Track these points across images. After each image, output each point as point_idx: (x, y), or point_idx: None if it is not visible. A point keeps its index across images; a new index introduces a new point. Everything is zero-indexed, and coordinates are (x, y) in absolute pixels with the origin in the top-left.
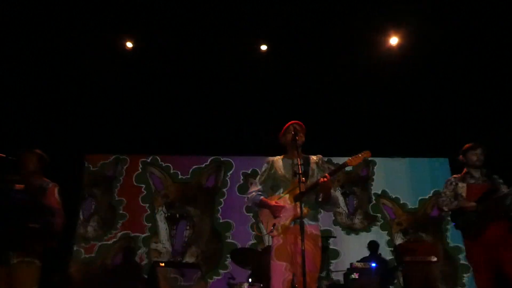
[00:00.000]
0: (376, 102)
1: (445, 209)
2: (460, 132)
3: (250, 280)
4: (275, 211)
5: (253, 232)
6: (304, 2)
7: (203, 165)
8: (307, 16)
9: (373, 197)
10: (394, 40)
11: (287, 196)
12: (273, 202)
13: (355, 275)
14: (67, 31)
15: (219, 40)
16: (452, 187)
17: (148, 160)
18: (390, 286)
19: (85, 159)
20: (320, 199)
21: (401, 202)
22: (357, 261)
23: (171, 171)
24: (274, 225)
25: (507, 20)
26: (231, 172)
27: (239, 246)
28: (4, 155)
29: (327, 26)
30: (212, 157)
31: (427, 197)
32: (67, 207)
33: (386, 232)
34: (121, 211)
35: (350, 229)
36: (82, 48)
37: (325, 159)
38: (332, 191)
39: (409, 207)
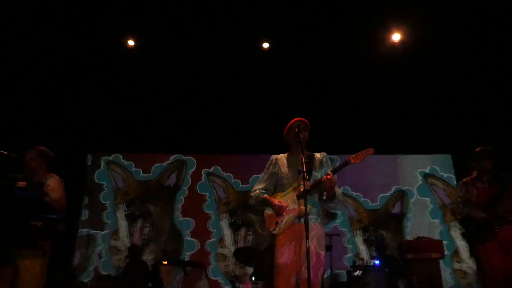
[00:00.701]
0: (378, 99)
1: (459, 216)
2: (463, 128)
3: (253, 278)
4: (279, 210)
5: (214, 230)
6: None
7: (165, 163)
8: (308, 13)
9: None
10: (396, 37)
11: (291, 193)
12: (276, 201)
13: (358, 273)
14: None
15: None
16: (463, 192)
17: (110, 158)
18: (397, 282)
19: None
20: (324, 197)
21: (362, 199)
22: (361, 259)
23: (133, 169)
24: (276, 223)
25: (510, 18)
26: (192, 170)
27: (198, 244)
28: (6, 153)
29: (330, 22)
30: (174, 155)
31: (388, 194)
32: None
33: (346, 229)
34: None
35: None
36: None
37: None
38: (336, 188)
39: (370, 204)
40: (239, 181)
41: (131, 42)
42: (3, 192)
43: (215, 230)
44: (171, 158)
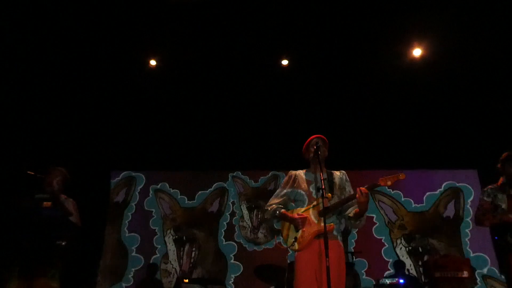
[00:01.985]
0: (398, 114)
1: (487, 224)
2: (487, 143)
3: None
4: (298, 224)
5: (158, 246)
6: (325, 14)
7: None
8: (328, 29)
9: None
10: (417, 52)
11: (310, 211)
12: (295, 215)
13: None
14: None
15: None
16: (490, 198)
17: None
18: None
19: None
20: (351, 214)
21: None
22: (385, 277)
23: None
24: (295, 238)
25: None
26: (141, 186)
27: (143, 260)
28: (33, 173)
29: (349, 37)
30: (123, 172)
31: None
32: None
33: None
34: None
35: (253, 243)
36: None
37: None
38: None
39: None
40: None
41: (153, 62)
42: (31, 212)
43: (159, 246)
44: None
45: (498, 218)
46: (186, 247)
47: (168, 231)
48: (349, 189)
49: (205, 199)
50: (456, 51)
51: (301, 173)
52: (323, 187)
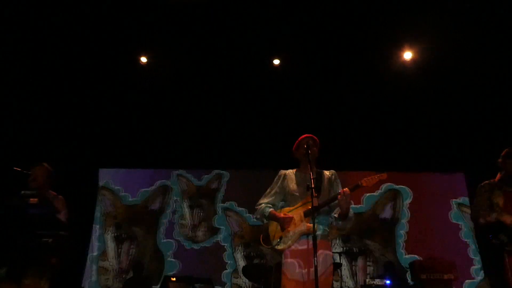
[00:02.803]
0: (389, 116)
1: (482, 221)
2: (476, 146)
3: None
4: (284, 224)
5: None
6: (317, 15)
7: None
8: (319, 30)
9: (219, 210)
10: (408, 55)
11: (298, 210)
12: (281, 214)
13: None
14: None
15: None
16: (487, 195)
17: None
18: None
19: None
20: (336, 215)
21: (246, 214)
22: (371, 278)
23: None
24: (281, 237)
25: None
26: None
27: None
28: (20, 169)
29: (340, 39)
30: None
31: None
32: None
33: (227, 244)
34: None
35: (191, 241)
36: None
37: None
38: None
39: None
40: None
41: (143, 59)
42: (17, 209)
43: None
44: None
45: (494, 217)
46: (125, 245)
47: (109, 229)
48: (338, 189)
49: (148, 197)
50: (445, 55)
51: (291, 172)
52: (312, 186)
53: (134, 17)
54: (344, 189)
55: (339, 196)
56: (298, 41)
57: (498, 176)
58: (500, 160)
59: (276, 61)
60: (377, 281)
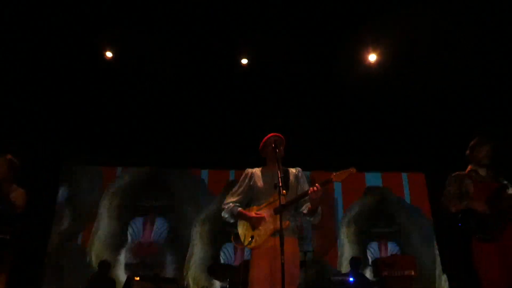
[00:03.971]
0: (354, 116)
1: (453, 209)
2: (436, 147)
3: None
4: (255, 223)
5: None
6: (285, 18)
7: None
8: (287, 32)
9: None
10: (372, 57)
11: (266, 208)
12: (252, 214)
13: None
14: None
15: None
16: (457, 184)
17: None
18: None
19: None
20: (305, 211)
21: None
22: (335, 275)
23: None
24: (252, 237)
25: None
26: None
27: None
28: None
29: (307, 40)
30: None
31: None
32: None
33: None
34: None
35: None
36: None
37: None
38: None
39: None
40: None
41: (109, 54)
42: None
43: None
44: None
45: (464, 204)
46: None
47: None
48: (304, 186)
49: None
50: (408, 57)
51: (257, 170)
52: (280, 184)
53: (108, 12)
54: (316, 185)
55: (309, 192)
56: (266, 41)
57: (469, 168)
58: (468, 152)
59: (244, 61)
60: (341, 278)
